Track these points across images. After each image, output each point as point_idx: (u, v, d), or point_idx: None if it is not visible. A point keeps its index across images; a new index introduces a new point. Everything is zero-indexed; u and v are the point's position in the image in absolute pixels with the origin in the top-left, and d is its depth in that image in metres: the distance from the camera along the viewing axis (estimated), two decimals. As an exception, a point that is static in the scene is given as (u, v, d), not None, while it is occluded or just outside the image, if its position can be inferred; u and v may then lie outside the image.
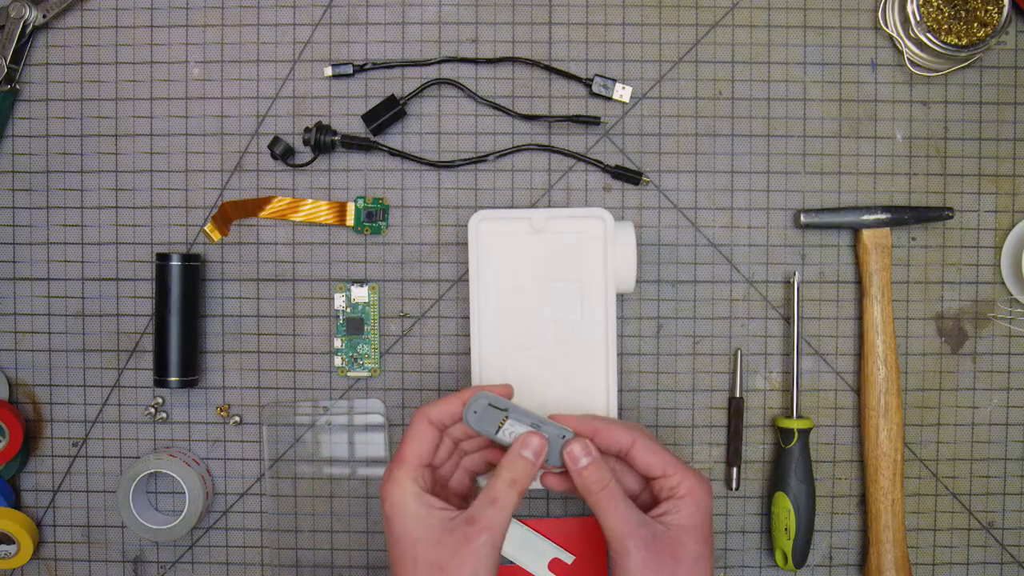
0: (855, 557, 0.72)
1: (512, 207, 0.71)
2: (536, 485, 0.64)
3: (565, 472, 0.56)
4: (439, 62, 0.71)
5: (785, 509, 0.69)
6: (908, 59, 0.70)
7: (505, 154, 0.71)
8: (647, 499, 0.57)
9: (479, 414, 0.55)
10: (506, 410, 0.56)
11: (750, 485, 0.72)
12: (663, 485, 0.55)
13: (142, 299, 0.72)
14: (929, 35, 0.66)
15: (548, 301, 0.65)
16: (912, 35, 0.68)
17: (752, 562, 0.72)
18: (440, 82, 0.71)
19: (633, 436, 0.55)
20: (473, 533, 0.51)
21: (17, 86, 0.71)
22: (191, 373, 0.69)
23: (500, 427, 0.55)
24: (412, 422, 0.56)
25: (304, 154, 0.72)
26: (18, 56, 0.70)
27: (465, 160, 0.71)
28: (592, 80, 0.70)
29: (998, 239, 0.71)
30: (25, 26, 0.70)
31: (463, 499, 0.59)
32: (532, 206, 0.71)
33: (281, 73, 0.71)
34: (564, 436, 0.56)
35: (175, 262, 0.68)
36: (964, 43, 0.66)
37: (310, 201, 0.71)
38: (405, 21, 0.71)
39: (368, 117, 0.70)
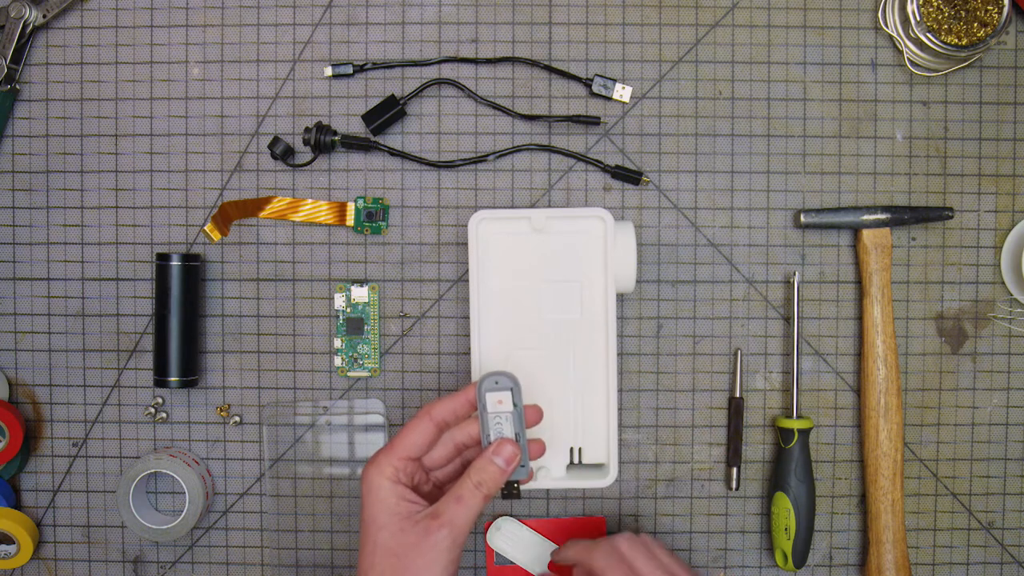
0: (855, 557, 0.72)
1: (512, 207, 0.71)
2: (536, 485, 0.64)
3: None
4: (439, 62, 0.71)
5: (785, 509, 0.69)
6: (908, 59, 0.70)
7: (505, 154, 0.71)
8: None
9: (497, 385, 0.56)
10: (514, 407, 0.56)
11: (750, 485, 0.72)
12: None
13: (142, 299, 0.72)
14: (929, 35, 0.66)
15: (548, 301, 0.65)
16: (912, 35, 0.68)
17: (752, 562, 0.72)
18: (440, 82, 0.71)
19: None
20: (434, 527, 0.53)
21: (17, 86, 0.71)
22: (191, 373, 0.69)
23: (498, 410, 0.56)
24: (415, 416, 0.57)
25: (304, 154, 0.71)
26: (18, 56, 0.70)
27: (465, 160, 0.71)
28: (592, 80, 0.70)
29: (998, 239, 0.71)
30: (25, 26, 0.70)
31: None
32: (532, 206, 0.71)
33: (281, 73, 0.71)
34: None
35: (175, 262, 0.68)
36: (964, 43, 0.66)
37: (310, 201, 0.71)
38: (405, 21, 0.71)
39: (368, 117, 0.70)
